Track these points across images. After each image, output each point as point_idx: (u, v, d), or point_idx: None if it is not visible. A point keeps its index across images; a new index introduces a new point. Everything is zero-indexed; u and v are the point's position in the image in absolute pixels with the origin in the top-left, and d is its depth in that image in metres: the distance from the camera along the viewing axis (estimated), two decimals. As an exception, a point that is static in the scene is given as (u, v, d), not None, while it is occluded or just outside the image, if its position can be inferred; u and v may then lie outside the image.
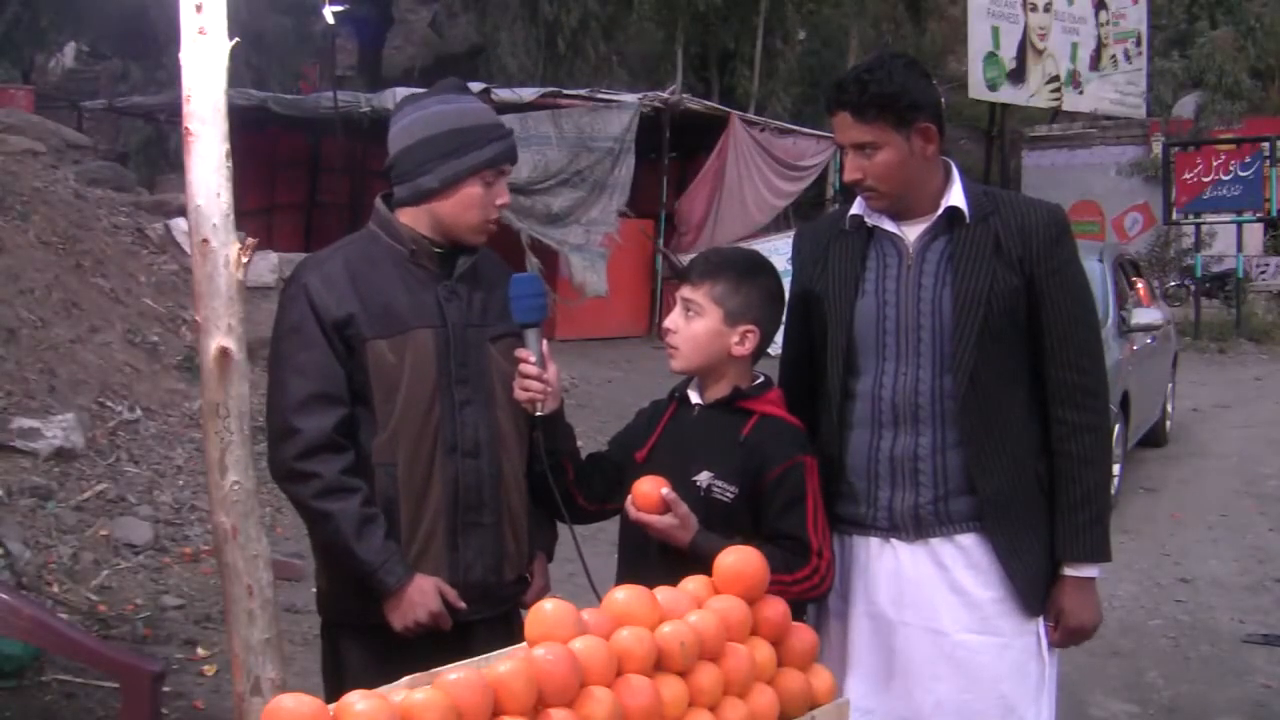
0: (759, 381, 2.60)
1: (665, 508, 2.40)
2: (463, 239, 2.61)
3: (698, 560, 2.28)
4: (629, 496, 2.46)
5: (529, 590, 2.72)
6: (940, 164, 2.57)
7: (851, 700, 2.33)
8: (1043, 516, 2.55)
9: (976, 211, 2.53)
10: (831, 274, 2.62)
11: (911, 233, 2.56)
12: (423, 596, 2.51)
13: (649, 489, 2.42)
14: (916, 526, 2.53)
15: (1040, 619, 2.57)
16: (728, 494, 2.48)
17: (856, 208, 2.61)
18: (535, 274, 2.65)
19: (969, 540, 2.52)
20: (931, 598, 2.53)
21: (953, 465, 2.51)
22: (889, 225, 2.58)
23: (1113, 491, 2.63)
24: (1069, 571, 2.55)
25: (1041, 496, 2.56)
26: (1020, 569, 2.52)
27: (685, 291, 2.58)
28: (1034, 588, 2.54)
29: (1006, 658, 2.53)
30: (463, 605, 2.55)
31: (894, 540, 2.56)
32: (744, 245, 12.03)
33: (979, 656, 2.51)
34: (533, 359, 2.53)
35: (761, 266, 2.63)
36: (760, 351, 2.58)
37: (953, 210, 2.53)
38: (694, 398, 2.61)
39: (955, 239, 2.53)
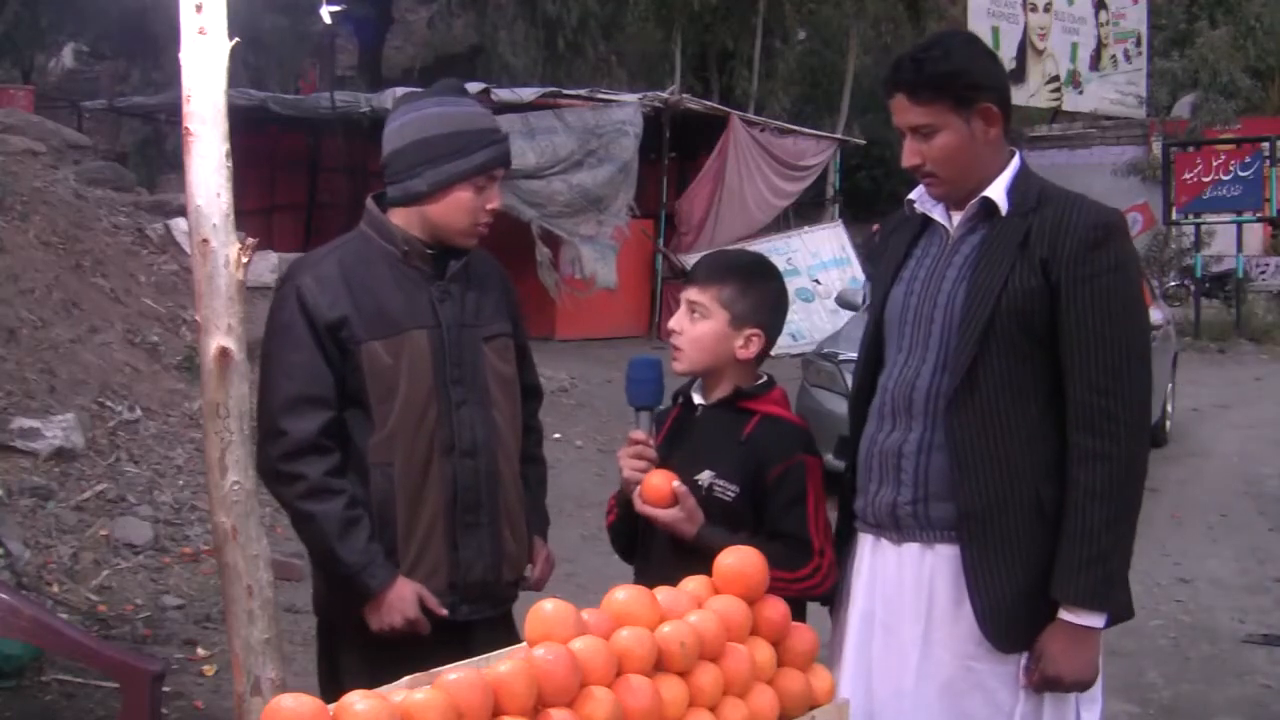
0: (762, 381, 2.60)
1: (674, 501, 2.40)
2: (452, 242, 2.62)
3: (701, 553, 2.28)
4: (637, 489, 2.46)
5: (534, 570, 2.77)
6: (1005, 151, 2.44)
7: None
8: (1037, 545, 2.33)
9: (1017, 206, 2.39)
10: (883, 263, 2.58)
11: (956, 221, 2.47)
12: (401, 602, 2.51)
13: (659, 483, 2.42)
14: (896, 526, 2.43)
15: (1021, 655, 2.35)
16: (729, 493, 2.48)
17: (914, 194, 2.52)
18: (657, 358, 2.63)
19: (949, 550, 2.39)
20: (905, 602, 2.44)
21: (936, 467, 2.38)
22: (938, 214, 2.48)
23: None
24: (1062, 614, 2.31)
25: (1040, 523, 2.34)
26: (987, 593, 2.33)
27: (691, 293, 2.56)
28: (1006, 618, 2.33)
29: (970, 679, 2.38)
30: (443, 612, 2.55)
31: (883, 539, 2.48)
32: (744, 245, 12.06)
33: (941, 669, 2.39)
34: (644, 439, 2.51)
35: (767, 270, 2.64)
36: (764, 355, 2.58)
37: (989, 202, 2.41)
38: (697, 399, 2.62)
39: (990, 232, 2.41)
